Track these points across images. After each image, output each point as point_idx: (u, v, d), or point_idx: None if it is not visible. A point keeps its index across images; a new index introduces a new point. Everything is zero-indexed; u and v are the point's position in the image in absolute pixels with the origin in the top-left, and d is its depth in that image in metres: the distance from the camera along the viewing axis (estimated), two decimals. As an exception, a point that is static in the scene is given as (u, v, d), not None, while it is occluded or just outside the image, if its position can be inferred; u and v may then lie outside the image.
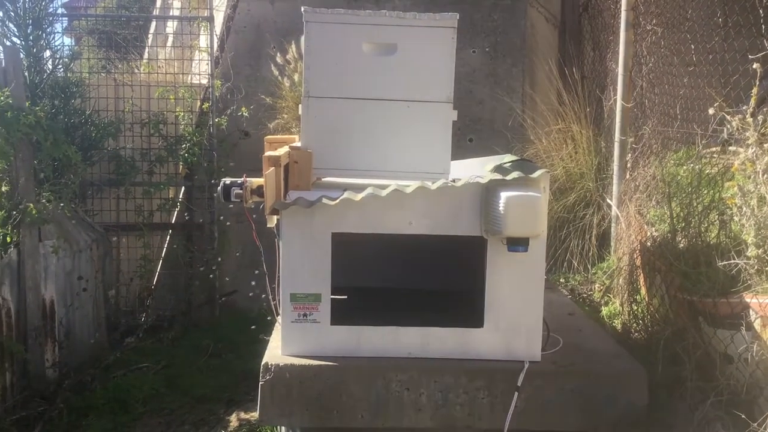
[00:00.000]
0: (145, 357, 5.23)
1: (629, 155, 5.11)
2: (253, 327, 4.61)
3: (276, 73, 5.90)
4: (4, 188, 4.72)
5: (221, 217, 6.13)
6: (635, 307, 3.95)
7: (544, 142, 5.62)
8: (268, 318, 3.88)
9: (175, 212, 6.34)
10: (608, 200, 5.31)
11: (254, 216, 3.43)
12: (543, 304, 3.16)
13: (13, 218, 4.71)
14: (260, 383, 3.12)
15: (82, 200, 5.89)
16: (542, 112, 5.84)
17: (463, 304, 3.49)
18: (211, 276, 6.09)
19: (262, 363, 3.13)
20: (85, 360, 5.12)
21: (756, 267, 2.92)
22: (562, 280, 5.28)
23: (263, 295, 3.48)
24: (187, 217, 6.25)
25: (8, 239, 4.68)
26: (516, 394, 3.08)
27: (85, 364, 5.06)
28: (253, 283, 4.41)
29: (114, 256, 5.98)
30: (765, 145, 2.97)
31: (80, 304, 5.22)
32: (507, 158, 3.44)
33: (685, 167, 3.91)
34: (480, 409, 3.10)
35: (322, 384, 3.11)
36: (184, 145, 6.02)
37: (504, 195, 2.92)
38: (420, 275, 3.93)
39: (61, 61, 5.78)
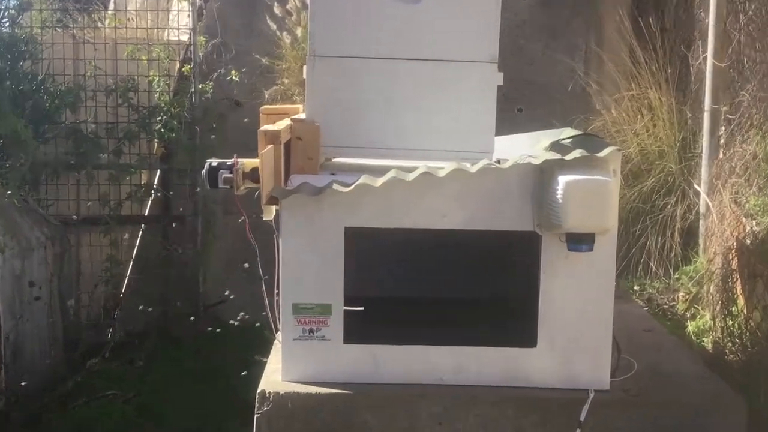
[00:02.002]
0: (112, 383, 5.27)
1: (723, 129, 5.05)
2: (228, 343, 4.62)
3: (274, 27, 5.90)
4: (-64, 172, 4.79)
5: (207, 207, 6.19)
6: (730, 322, 3.93)
7: (614, 113, 5.57)
8: (266, 334, 3.87)
9: (149, 202, 6.36)
10: (696, 186, 5.25)
11: (248, 207, 3.44)
12: (612, 317, 3.19)
13: (-52, 209, 4.79)
14: (256, 415, 3.15)
15: (33, 187, 5.92)
16: (611, 74, 5.79)
17: (510, 317, 3.49)
18: (194, 282, 6.13)
19: (258, 391, 3.17)
20: (38, 386, 5.15)
21: None
22: (636, 287, 5.24)
23: (261, 307, 3.51)
24: (166, 209, 6.27)
25: (-58, 235, 4.75)
26: (578, 431, 3.08)
27: (38, 391, 5.09)
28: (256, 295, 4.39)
29: (73, 256, 6.03)
30: None
31: (31, 316, 5.25)
32: (566, 133, 3.44)
33: (794, 144, 3.87)
34: (532, 451, 3.14)
35: (332, 417, 3.14)
36: (159, 118, 6.05)
37: (563, 180, 2.94)
38: (455, 281, 3.85)
39: (6, 13, 5.83)
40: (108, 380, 5.31)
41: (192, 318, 6.10)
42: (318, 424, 3.14)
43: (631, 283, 5.30)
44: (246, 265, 5.05)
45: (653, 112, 5.51)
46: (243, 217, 3.34)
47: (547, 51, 6.29)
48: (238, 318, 5.71)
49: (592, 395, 3.12)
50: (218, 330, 5.94)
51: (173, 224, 6.31)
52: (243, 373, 4.13)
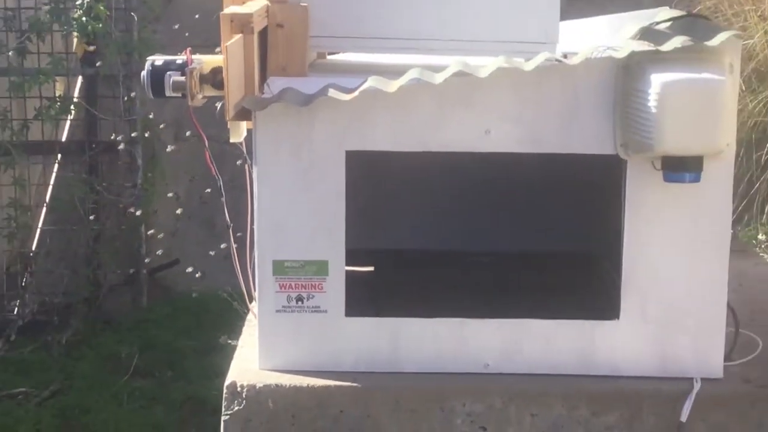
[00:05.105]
0: (21, 375, 5.35)
1: None
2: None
3: None
4: None
5: (146, 134, 6.24)
6: None
7: (731, -14, 5.52)
8: (236, 307, 4.00)
9: (68, 123, 6.41)
10: None
11: (208, 125, 3.42)
12: (727, 277, 3.18)
13: None
14: (223, 419, 3.16)
15: None
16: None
17: (581, 278, 3.55)
18: (133, 236, 6.24)
19: (227, 383, 3.18)
20: None
21: None
22: (761, 236, 5.24)
23: (228, 269, 3.52)
24: (92, 133, 6.35)
25: None
26: (678, 436, 3.11)
27: None
28: (217, 251, 4.39)
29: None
30: None
31: None
32: (662, 15, 3.42)
33: None
34: (615, 464, 3.16)
35: (331, 420, 3.16)
36: (79, 2, 6.03)
37: (658, 79, 2.92)
38: (503, 228, 3.99)
39: None
40: (16, 372, 5.38)
41: (130, 287, 6.30)
42: (312, 429, 3.17)
43: (754, 230, 5.30)
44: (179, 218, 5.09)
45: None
46: (202, 140, 3.34)
47: None
48: (194, 291, 5.85)
49: (698, 386, 3.12)
50: (168, 303, 6.13)
51: (103, 154, 6.38)
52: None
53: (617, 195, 3.19)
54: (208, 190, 4.00)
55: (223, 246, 4.31)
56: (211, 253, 5.31)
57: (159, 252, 6.23)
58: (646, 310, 3.22)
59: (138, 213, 6.20)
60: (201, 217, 6.02)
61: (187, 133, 5.79)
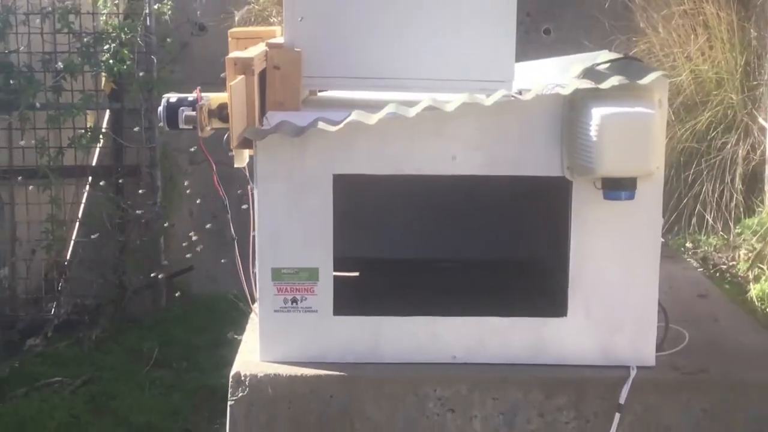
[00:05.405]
0: (57, 367, 5.35)
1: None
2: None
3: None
4: None
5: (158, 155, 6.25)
6: (802, 284, 3.96)
7: (661, 32, 5.55)
8: (242, 307, 3.99)
9: (97, 150, 6.42)
10: (761, 121, 5.26)
11: (216, 152, 3.43)
12: (659, 279, 3.22)
13: None
14: (229, 403, 3.19)
15: (-46, 133, 5.98)
16: (658, -15, 5.76)
17: (534, 282, 3.55)
18: (154, 247, 6.25)
19: (232, 373, 3.21)
20: (-35, 373, 5.24)
21: None
22: (689, 244, 5.27)
23: (235, 275, 3.53)
24: (118, 158, 6.36)
25: None
26: (617, 416, 3.13)
27: (-33, 380, 5.19)
28: (224, 260, 4.39)
29: (6, 216, 6.08)
30: None
31: (-43, 290, 5.30)
32: (603, 57, 3.46)
33: None
34: (563, 440, 3.19)
35: (322, 404, 3.19)
36: (107, 47, 6.06)
37: (598, 112, 2.97)
38: (468, 239, 4.00)
39: None
40: (52, 365, 5.38)
41: (151, 290, 6.29)
42: (306, 412, 3.19)
43: (683, 239, 5.33)
44: (208, 225, 5.13)
45: (710, 31, 5.49)
46: (211, 165, 3.35)
47: (581, -43, 6.26)
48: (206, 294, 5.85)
49: (634, 373, 3.16)
50: (184, 304, 6.15)
51: (127, 177, 6.37)
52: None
53: (564, 211, 3.22)
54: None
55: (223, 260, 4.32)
56: (221, 261, 5.31)
57: (177, 256, 6.25)
58: (589, 309, 3.24)
59: (157, 229, 6.26)
60: (212, 230, 5.97)
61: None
